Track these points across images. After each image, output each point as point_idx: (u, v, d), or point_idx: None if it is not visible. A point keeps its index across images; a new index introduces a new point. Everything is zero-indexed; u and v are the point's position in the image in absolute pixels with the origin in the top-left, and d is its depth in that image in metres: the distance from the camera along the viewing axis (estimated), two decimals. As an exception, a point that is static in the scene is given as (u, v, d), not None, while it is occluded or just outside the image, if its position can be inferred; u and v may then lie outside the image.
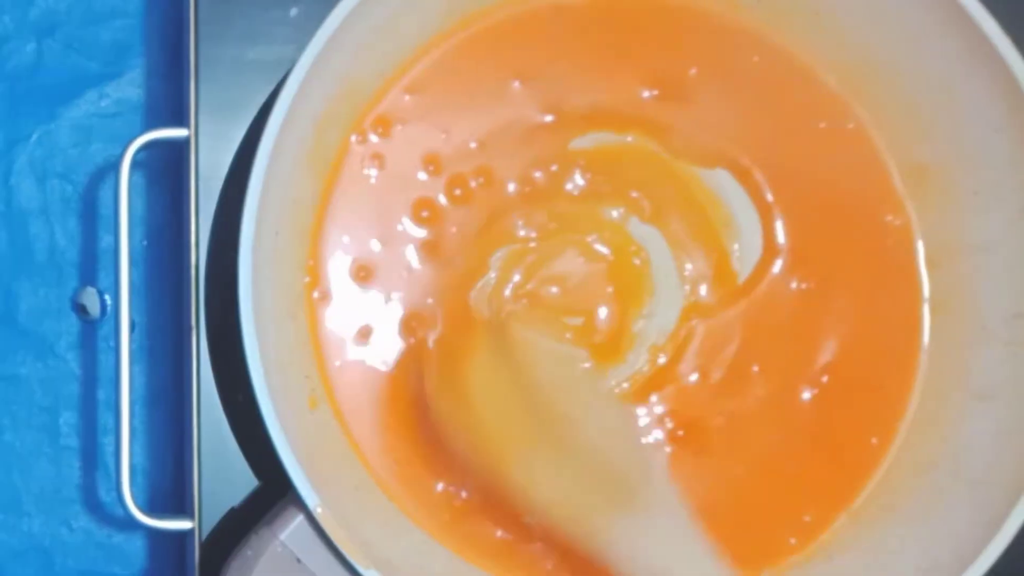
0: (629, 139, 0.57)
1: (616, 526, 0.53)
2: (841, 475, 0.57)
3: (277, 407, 0.50)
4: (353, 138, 0.56)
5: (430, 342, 0.55)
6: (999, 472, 0.53)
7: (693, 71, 0.57)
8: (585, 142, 0.57)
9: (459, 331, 0.55)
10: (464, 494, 0.55)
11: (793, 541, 0.57)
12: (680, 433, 0.57)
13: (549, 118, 0.57)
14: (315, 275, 0.55)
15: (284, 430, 0.50)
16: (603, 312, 0.57)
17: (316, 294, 0.55)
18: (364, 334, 0.56)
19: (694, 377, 0.57)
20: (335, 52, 0.52)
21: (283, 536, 0.52)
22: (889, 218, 0.58)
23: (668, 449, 0.56)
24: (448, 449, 0.54)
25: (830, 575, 0.56)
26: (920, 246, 0.57)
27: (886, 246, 0.58)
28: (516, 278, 0.56)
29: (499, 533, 0.55)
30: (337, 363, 0.56)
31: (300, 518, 0.52)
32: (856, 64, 0.57)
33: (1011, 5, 0.54)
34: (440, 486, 0.55)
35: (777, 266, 0.58)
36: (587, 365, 0.56)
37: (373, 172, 0.56)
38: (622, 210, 0.57)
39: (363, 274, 0.56)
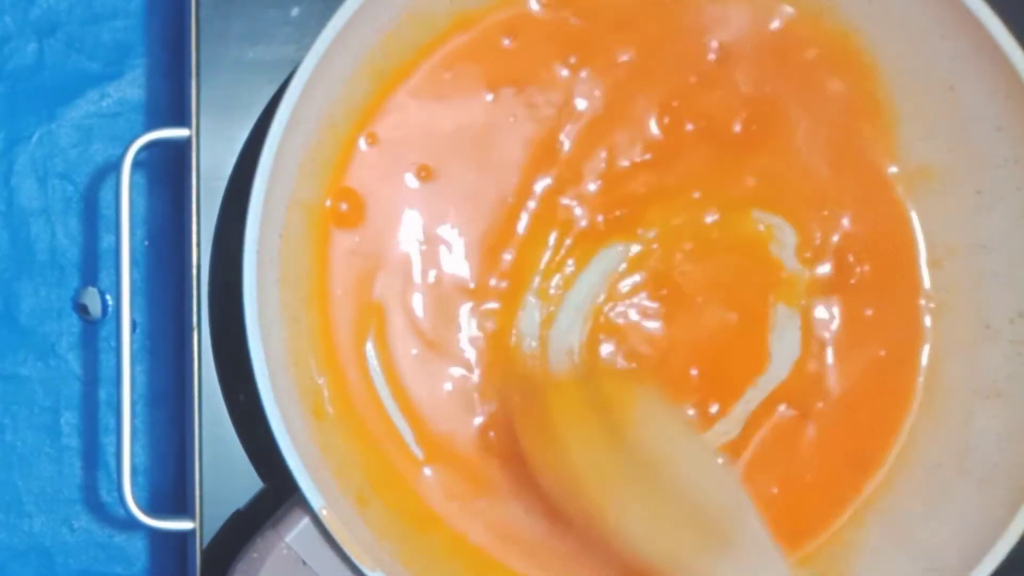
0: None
1: (711, 566, 0.52)
2: (846, 474, 0.57)
3: (282, 409, 0.50)
4: (358, 138, 0.56)
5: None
6: (1005, 471, 0.54)
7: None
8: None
9: (534, 385, 0.56)
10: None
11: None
12: None
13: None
14: (320, 277, 0.55)
15: (289, 432, 0.50)
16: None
17: (321, 296, 0.55)
18: (369, 333, 0.56)
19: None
20: (339, 53, 0.51)
21: (289, 538, 0.52)
22: (892, 216, 0.58)
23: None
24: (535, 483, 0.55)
25: (834, 574, 0.56)
26: (923, 246, 0.58)
27: (890, 245, 0.58)
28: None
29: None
30: (343, 363, 0.56)
31: (306, 520, 0.52)
32: (859, 63, 0.57)
33: (1014, 3, 0.54)
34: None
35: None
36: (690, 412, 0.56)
37: (378, 172, 0.56)
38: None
39: (370, 276, 0.56)
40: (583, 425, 0.53)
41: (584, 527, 0.54)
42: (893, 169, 0.58)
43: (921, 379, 0.57)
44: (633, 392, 0.55)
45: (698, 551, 0.52)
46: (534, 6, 0.56)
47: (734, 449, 0.57)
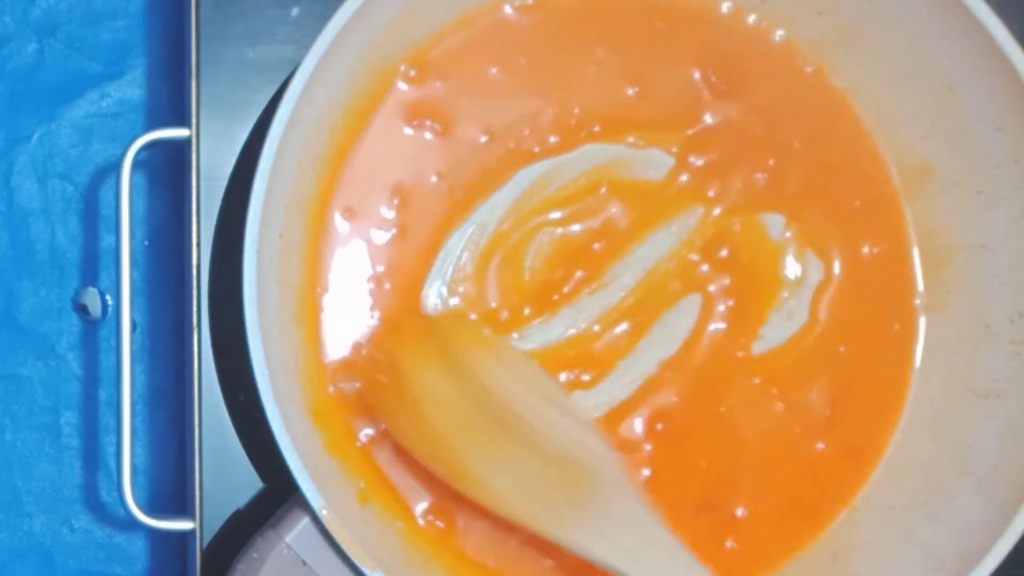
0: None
1: (576, 523, 0.51)
2: (844, 473, 0.57)
3: (282, 409, 0.50)
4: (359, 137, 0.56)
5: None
6: (1005, 471, 0.53)
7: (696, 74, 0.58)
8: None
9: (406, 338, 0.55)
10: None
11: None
12: (660, 427, 0.57)
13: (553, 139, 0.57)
14: (319, 277, 0.55)
15: (289, 432, 0.50)
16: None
17: (320, 296, 0.55)
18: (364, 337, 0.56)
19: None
20: (339, 53, 0.52)
21: (288, 538, 0.52)
22: (891, 217, 0.58)
23: (647, 448, 0.57)
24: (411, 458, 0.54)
25: (834, 574, 0.56)
26: (923, 245, 0.58)
27: (889, 245, 0.58)
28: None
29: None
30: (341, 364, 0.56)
31: (305, 520, 0.52)
32: (859, 63, 0.57)
33: (1014, 3, 0.54)
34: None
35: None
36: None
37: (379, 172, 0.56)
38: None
39: (368, 276, 0.56)
40: (436, 382, 0.53)
41: (460, 492, 0.53)
42: (893, 169, 0.58)
43: (921, 379, 0.57)
44: (479, 337, 0.55)
45: (564, 508, 0.51)
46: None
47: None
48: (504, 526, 0.55)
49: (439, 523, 0.55)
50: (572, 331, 0.57)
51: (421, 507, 0.55)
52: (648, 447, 0.57)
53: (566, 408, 0.54)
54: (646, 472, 0.57)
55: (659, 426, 0.57)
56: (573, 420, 0.53)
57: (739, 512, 0.57)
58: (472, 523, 0.56)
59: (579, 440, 0.53)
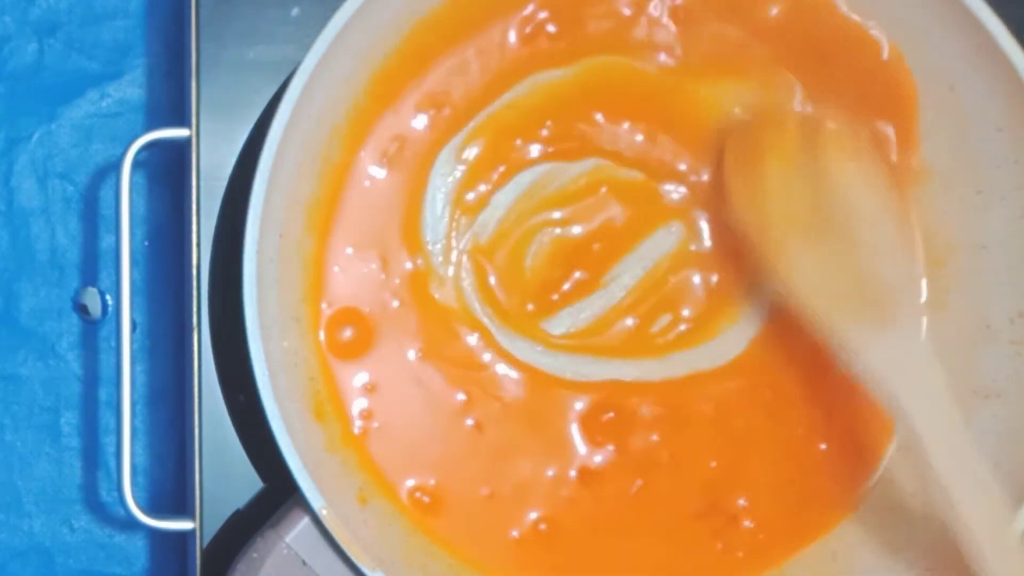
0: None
1: (860, 341, 0.53)
2: (844, 473, 0.57)
3: (282, 409, 0.50)
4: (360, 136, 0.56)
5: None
6: (1005, 471, 0.53)
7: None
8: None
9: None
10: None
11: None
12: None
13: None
14: (319, 277, 0.55)
15: (289, 432, 0.50)
16: None
17: (320, 296, 0.55)
18: (366, 336, 0.56)
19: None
20: (339, 53, 0.52)
21: (288, 538, 0.52)
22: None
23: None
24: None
25: (834, 575, 0.56)
26: (924, 246, 0.58)
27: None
28: None
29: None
30: (340, 363, 0.56)
31: (305, 520, 0.52)
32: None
33: (1015, 3, 0.54)
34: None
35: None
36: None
37: (381, 172, 0.56)
38: None
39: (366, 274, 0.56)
40: (790, 162, 0.55)
41: (762, 261, 0.55)
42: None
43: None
44: (851, 146, 0.56)
45: (854, 321, 0.53)
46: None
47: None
48: (487, 503, 0.56)
49: (425, 499, 0.55)
50: (573, 331, 0.57)
51: (409, 484, 0.56)
52: (647, 447, 0.57)
53: (896, 234, 0.55)
54: (640, 481, 0.57)
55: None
56: (904, 247, 0.55)
57: (740, 512, 0.57)
58: (457, 497, 0.56)
59: (896, 266, 0.54)
